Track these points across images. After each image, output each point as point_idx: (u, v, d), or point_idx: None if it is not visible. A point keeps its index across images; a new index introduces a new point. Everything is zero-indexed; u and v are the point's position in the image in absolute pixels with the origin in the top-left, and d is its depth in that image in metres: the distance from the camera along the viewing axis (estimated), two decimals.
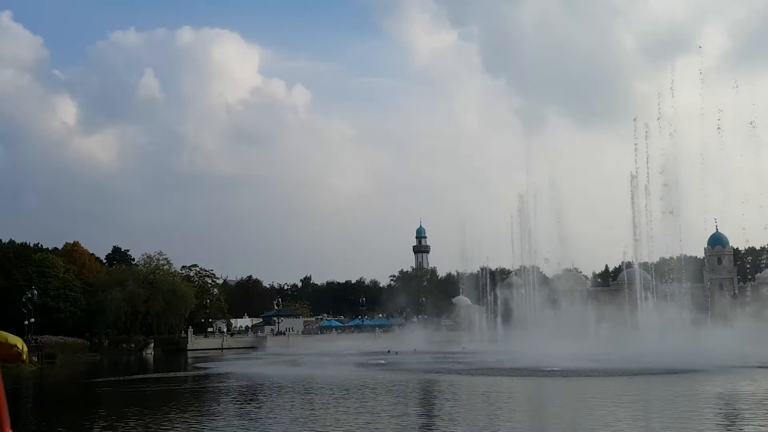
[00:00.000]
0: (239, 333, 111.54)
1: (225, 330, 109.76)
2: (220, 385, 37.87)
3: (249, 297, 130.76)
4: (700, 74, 63.96)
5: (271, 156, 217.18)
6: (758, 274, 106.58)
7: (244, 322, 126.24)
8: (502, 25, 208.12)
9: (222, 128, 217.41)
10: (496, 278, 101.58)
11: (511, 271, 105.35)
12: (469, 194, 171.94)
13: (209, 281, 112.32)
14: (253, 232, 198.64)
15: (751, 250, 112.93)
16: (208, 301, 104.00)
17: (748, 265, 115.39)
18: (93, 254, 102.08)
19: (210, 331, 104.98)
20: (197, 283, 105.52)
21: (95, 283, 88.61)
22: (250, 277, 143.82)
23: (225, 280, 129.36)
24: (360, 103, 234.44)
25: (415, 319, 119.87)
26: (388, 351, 66.16)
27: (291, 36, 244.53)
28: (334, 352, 71.16)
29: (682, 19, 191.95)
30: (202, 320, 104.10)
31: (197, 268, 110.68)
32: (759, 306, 60.14)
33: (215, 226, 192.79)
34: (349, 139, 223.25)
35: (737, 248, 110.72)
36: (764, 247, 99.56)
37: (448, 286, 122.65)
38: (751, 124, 61.52)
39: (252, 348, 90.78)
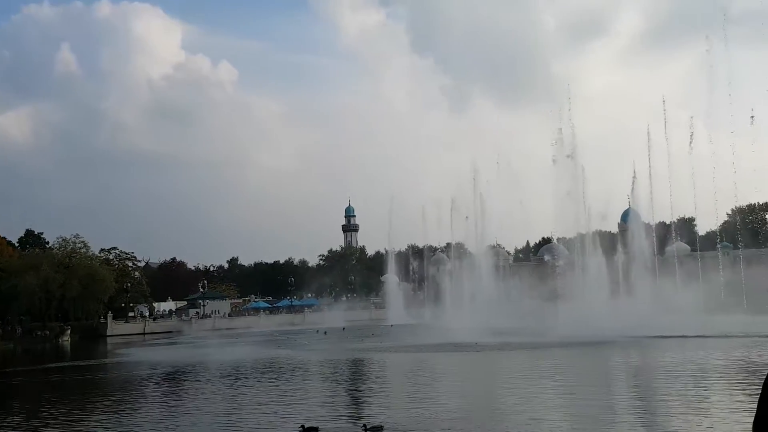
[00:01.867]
0: (162, 317, 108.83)
1: (147, 314, 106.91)
2: (138, 372, 36.88)
3: (173, 280, 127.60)
4: (614, 55, 66.33)
5: (196, 133, 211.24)
6: (667, 247, 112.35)
7: (168, 305, 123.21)
8: (430, 5, 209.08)
9: (144, 104, 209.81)
10: (423, 256, 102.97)
11: (438, 249, 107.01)
12: (397, 172, 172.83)
13: (130, 264, 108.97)
14: (178, 213, 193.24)
15: (661, 225, 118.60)
16: (129, 284, 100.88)
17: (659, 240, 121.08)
18: (4, 237, 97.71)
19: (131, 316, 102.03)
20: (117, 266, 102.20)
21: (7, 267, 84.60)
22: (174, 259, 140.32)
23: (147, 263, 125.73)
24: (288, 80, 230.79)
25: (344, 298, 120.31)
26: (317, 330, 66.12)
27: (215, 12, 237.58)
28: (260, 334, 70.72)
29: (599, 1, 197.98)
30: (123, 305, 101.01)
31: (117, 251, 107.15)
32: (669, 279, 63.53)
33: (137, 207, 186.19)
34: (277, 116, 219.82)
35: (648, 223, 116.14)
36: (674, 222, 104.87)
37: (377, 264, 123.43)
38: (663, 102, 64.58)
39: (176, 332, 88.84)
